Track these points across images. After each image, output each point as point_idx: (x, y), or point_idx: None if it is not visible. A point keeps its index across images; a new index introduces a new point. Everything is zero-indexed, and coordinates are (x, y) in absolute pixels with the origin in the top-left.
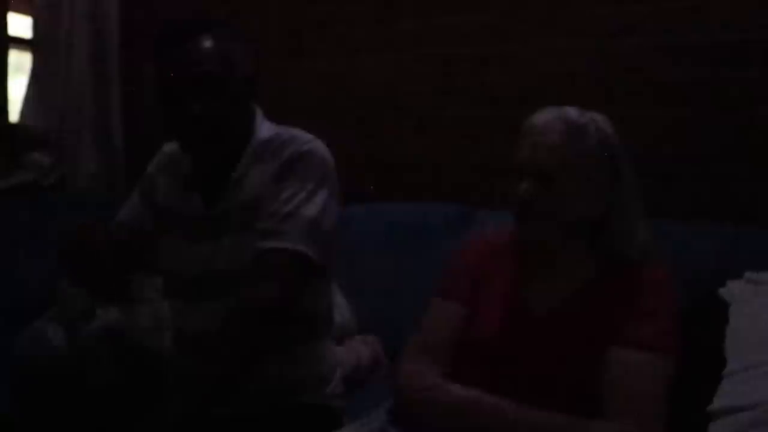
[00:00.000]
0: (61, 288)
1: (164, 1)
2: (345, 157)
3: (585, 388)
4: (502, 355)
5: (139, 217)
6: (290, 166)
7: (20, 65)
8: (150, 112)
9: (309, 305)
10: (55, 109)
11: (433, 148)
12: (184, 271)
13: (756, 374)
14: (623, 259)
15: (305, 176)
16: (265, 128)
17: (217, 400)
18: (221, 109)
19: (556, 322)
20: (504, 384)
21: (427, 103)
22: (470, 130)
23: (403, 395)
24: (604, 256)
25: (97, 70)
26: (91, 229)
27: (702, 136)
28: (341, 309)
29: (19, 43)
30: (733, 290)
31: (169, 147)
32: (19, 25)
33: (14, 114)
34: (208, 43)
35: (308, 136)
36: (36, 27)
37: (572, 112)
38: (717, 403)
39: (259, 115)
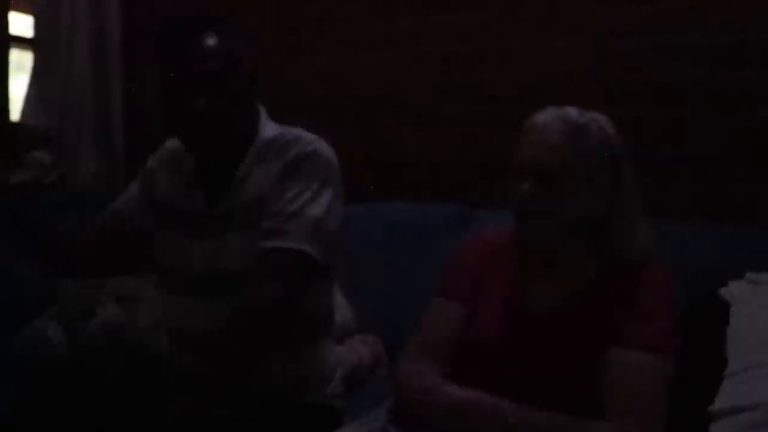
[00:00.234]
0: (61, 287)
1: None
2: (344, 155)
3: (585, 388)
4: (501, 355)
5: (136, 208)
6: (295, 166)
7: (21, 64)
8: (151, 110)
9: (311, 305)
10: (56, 107)
11: (431, 146)
12: (185, 268)
13: (757, 375)
14: (623, 259)
15: (310, 176)
16: (269, 128)
17: (218, 400)
18: (224, 106)
19: (556, 322)
20: (504, 384)
21: (425, 101)
22: (469, 128)
23: (403, 395)
24: (604, 256)
25: (98, 68)
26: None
27: (701, 137)
28: (341, 309)
29: (20, 41)
30: (733, 291)
31: (172, 143)
32: (20, 23)
33: (15, 112)
34: (210, 41)
35: (313, 137)
36: (37, 26)
37: (573, 112)
38: (718, 403)
39: (263, 114)
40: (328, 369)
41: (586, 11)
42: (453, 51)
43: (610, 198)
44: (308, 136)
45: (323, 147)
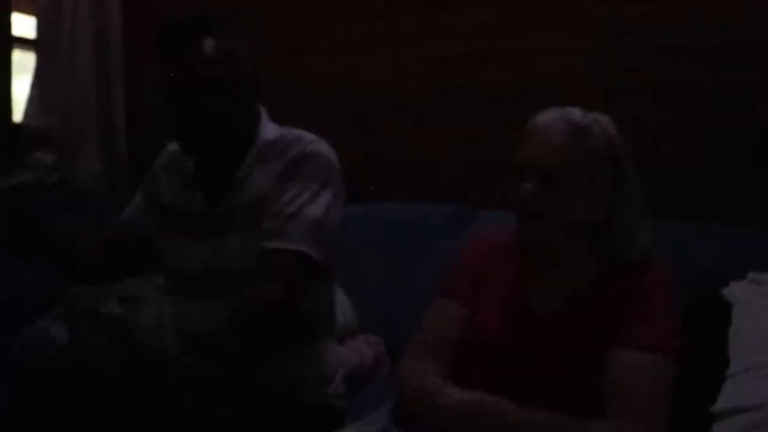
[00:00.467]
0: (63, 288)
1: (166, 0)
2: (344, 155)
3: (585, 389)
4: (503, 355)
5: (142, 216)
6: (295, 167)
7: (24, 65)
8: (153, 111)
9: (311, 305)
10: (59, 108)
11: (431, 146)
12: (186, 268)
13: (759, 375)
14: (624, 259)
15: (310, 176)
16: (269, 129)
17: (219, 400)
18: (224, 108)
19: (558, 322)
20: (504, 384)
21: (425, 102)
22: (469, 128)
23: (404, 396)
24: (605, 256)
25: (100, 69)
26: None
27: (701, 137)
28: (344, 309)
29: (23, 42)
30: (735, 291)
31: (173, 146)
32: (23, 25)
33: (18, 113)
34: (210, 43)
35: (313, 137)
36: (39, 27)
37: (575, 112)
38: (720, 403)
39: (264, 115)
40: (329, 369)
41: (586, 11)
42: (453, 51)
43: (612, 198)
44: (309, 136)
45: (323, 147)
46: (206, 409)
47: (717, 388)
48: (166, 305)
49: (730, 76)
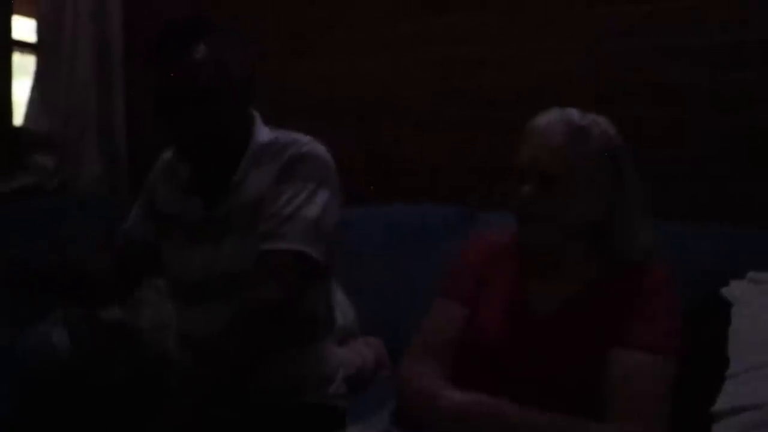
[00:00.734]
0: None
1: (167, 3)
2: (344, 159)
3: (586, 389)
4: (503, 356)
5: (142, 226)
6: (290, 168)
7: (24, 68)
8: (152, 114)
9: (310, 306)
10: (59, 111)
11: (431, 149)
12: (186, 274)
13: (759, 375)
14: (625, 259)
15: (306, 177)
16: (264, 133)
17: (219, 401)
18: (217, 114)
19: (558, 323)
20: (505, 385)
21: (425, 105)
22: (468, 131)
23: (405, 397)
24: (605, 256)
25: (101, 72)
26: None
27: (700, 138)
28: (344, 311)
29: (23, 46)
30: (735, 290)
31: (168, 153)
32: (23, 28)
33: (18, 117)
34: (201, 49)
35: (307, 138)
36: (40, 30)
37: (574, 114)
38: (720, 403)
39: (258, 119)
40: (329, 369)
41: (584, 13)
42: (452, 55)
43: (611, 199)
44: (303, 138)
45: (318, 148)
46: (206, 410)
47: (717, 388)
48: (166, 308)
49: (730, 76)
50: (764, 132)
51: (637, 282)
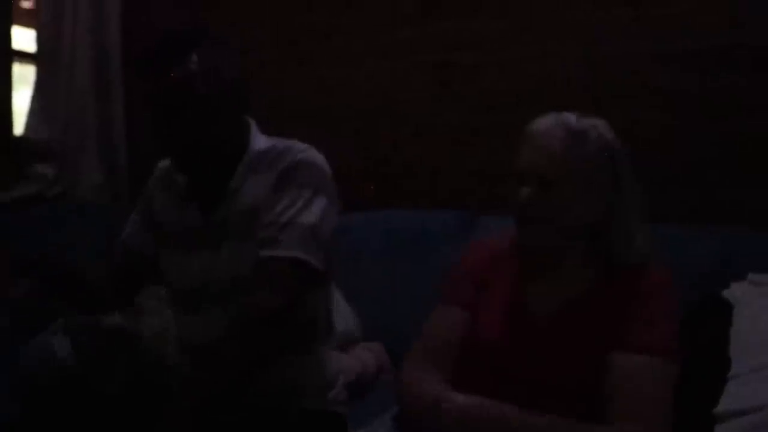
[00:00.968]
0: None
1: (165, 13)
2: (343, 165)
3: (586, 392)
4: (503, 360)
5: (140, 234)
6: (287, 175)
7: (24, 78)
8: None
9: (308, 312)
10: (59, 120)
11: (430, 154)
12: (184, 281)
13: (761, 376)
14: (623, 262)
15: (302, 184)
16: (259, 140)
17: (219, 407)
18: (211, 123)
19: (557, 327)
20: (505, 388)
21: (423, 110)
22: (466, 136)
23: (406, 402)
24: (604, 260)
25: (100, 81)
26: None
27: (691, 143)
28: (345, 317)
29: (23, 56)
30: (736, 292)
31: (165, 162)
32: (23, 38)
33: (18, 126)
34: (194, 59)
35: (304, 146)
36: (39, 40)
37: (572, 117)
38: (722, 405)
39: (254, 127)
40: (328, 375)
41: (582, 18)
42: (450, 60)
43: (610, 201)
44: (299, 145)
45: (315, 155)
46: (206, 415)
47: (719, 390)
48: (166, 314)
49: (720, 82)
50: (754, 137)
51: (635, 285)
